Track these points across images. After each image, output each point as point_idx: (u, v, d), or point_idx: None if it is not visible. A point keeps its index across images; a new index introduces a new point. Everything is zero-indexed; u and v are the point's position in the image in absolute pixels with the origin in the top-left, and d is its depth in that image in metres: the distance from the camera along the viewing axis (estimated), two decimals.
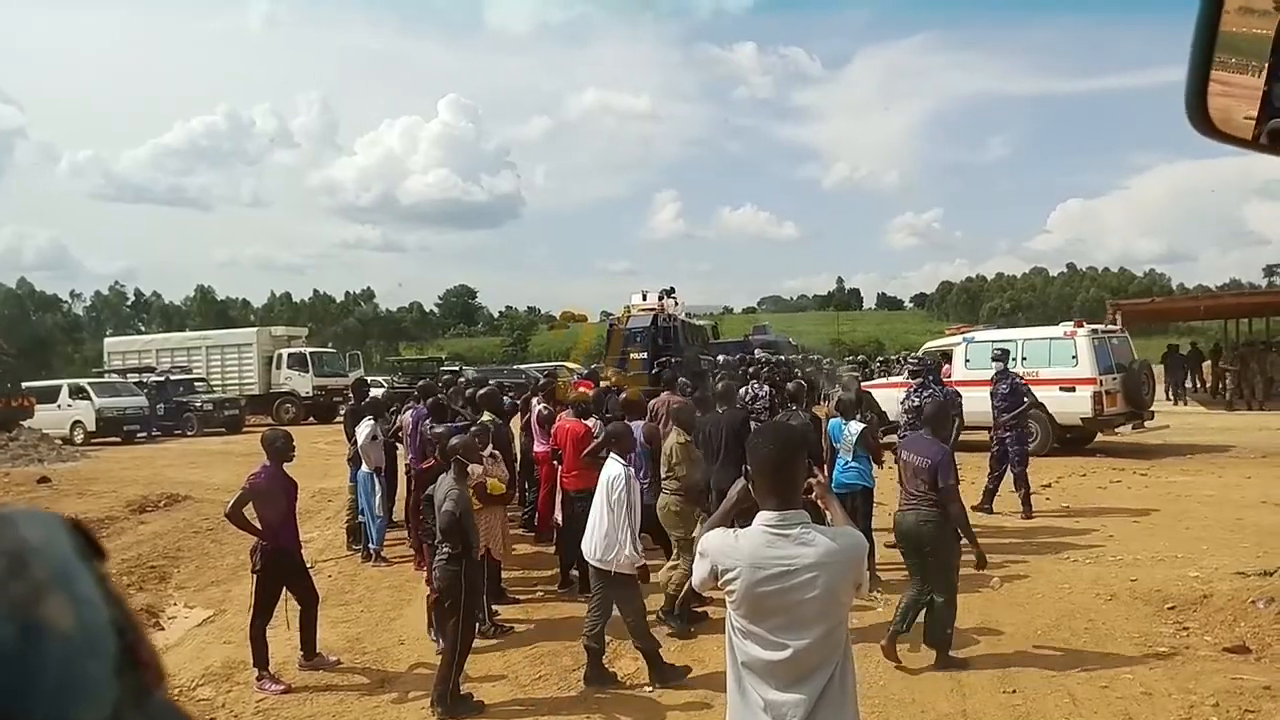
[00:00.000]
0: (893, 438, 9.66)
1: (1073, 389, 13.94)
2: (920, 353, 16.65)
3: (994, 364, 10.76)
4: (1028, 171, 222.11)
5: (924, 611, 5.73)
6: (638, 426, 7.22)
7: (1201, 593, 6.70)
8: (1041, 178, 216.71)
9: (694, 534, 5.94)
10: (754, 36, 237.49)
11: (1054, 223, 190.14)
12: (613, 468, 5.66)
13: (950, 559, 5.72)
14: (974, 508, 9.65)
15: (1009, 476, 10.24)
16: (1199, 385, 26.12)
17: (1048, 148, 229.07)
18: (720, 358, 18.13)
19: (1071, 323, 15.11)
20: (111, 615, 0.46)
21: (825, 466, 7.53)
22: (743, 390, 10.24)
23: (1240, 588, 6.69)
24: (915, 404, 8.78)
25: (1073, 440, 14.67)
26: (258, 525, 5.98)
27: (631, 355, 20.44)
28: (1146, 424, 14.92)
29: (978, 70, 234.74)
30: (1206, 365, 26.19)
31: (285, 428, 7.34)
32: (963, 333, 16.99)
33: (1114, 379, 13.99)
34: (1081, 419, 14.03)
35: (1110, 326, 16.15)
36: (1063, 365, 14.20)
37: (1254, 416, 19.78)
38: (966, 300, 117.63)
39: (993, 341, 15.32)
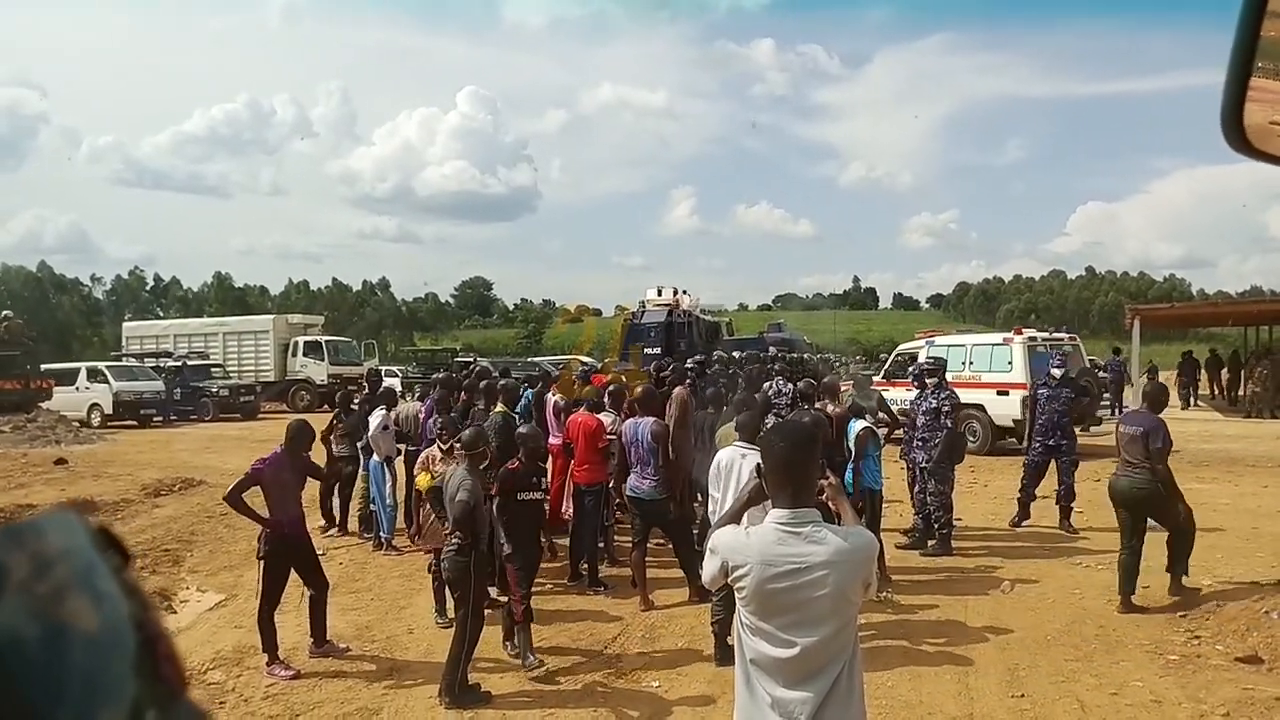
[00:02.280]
0: (899, 432, 9.57)
1: (1006, 393, 14.70)
2: (896, 353, 17.71)
3: (1055, 367, 9.96)
4: (1047, 174, 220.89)
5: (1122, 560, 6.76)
6: (647, 423, 7.22)
7: (1215, 601, 6.65)
8: (1061, 180, 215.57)
9: None
10: (772, 35, 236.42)
11: (1073, 225, 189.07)
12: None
13: (1167, 505, 6.77)
14: (1013, 524, 9.52)
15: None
16: (1215, 392, 25.91)
17: (1068, 150, 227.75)
18: (718, 354, 18.07)
19: (1011, 330, 15.84)
20: (131, 610, 0.46)
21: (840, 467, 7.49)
22: (766, 385, 10.21)
23: (1254, 597, 6.64)
24: (932, 405, 8.68)
25: (1013, 441, 15.09)
26: (261, 512, 6.06)
27: (644, 350, 20.46)
28: (1091, 429, 15.00)
29: (998, 72, 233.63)
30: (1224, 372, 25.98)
31: (302, 417, 7.37)
32: (927, 337, 17.77)
33: None
34: (1013, 420, 14.59)
35: (1058, 334, 16.44)
36: (1000, 370, 15.01)
37: (1271, 425, 19.57)
38: (983, 302, 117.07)
39: (949, 345, 16.05)
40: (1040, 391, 9.78)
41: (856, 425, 7.40)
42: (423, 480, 6.64)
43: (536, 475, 6.05)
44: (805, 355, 23.94)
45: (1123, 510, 6.82)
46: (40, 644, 0.42)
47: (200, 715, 0.49)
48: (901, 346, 18.29)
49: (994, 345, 15.55)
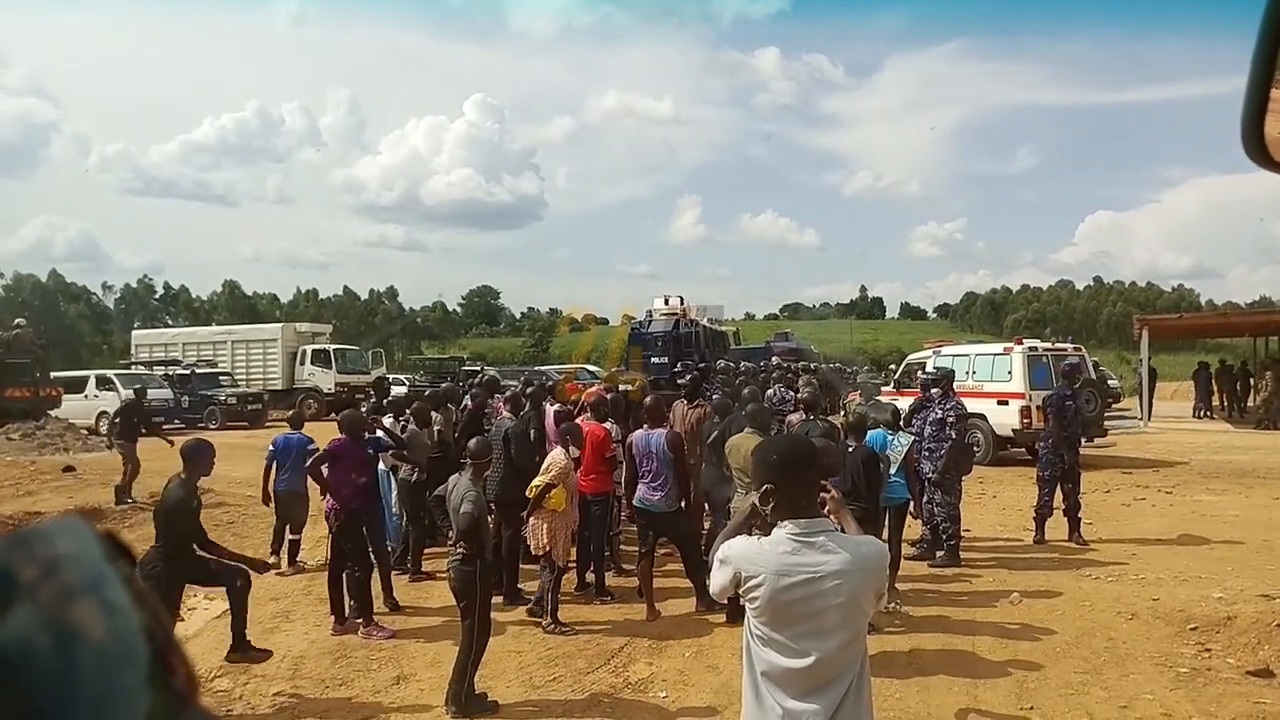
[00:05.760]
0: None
1: (1006, 403, 14.68)
2: (906, 363, 17.95)
3: (1063, 377, 9.83)
4: (1055, 183, 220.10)
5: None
6: (659, 434, 7.21)
7: (1225, 614, 6.60)
8: (1070, 189, 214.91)
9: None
10: (781, 43, 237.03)
11: (1081, 235, 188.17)
12: None
13: None
14: (1037, 542, 9.25)
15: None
16: (1224, 403, 25.75)
17: (1077, 159, 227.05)
18: (722, 363, 18.06)
19: (1013, 340, 15.89)
20: (143, 621, 0.46)
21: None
22: (769, 393, 10.22)
23: (1265, 610, 6.59)
24: (938, 416, 8.66)
25: (1017, 452, 15.18)
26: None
27: (651, 359, 20.48)
28: (1096, 439, 15.06)
29: (1007, 80, 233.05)
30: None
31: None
32: (935, 347, 17.87)
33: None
34: (1013, 430, 14.63)
35: (1060, 345, 16.41)
36: (1001, 380, 15.00)
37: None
38: (990, 312, 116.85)
39: (955, 355, 16.17)
40: (1067, 404, 9.55)
41: (905, 438, 7.48)
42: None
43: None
44: (816, 365, 23.96)
45: None
46: (52, 655, 0.41)
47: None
48: (911, 356, 18.36)
49: (995, 355, 15.57)
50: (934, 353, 16.80)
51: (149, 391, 24.55)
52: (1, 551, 0.44)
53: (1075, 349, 16.21)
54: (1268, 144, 1.23)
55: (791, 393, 11.87)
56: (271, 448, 8.63)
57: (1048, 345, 16.11)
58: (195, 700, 0.48)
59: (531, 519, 6.80)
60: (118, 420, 12.98)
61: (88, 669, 0.42)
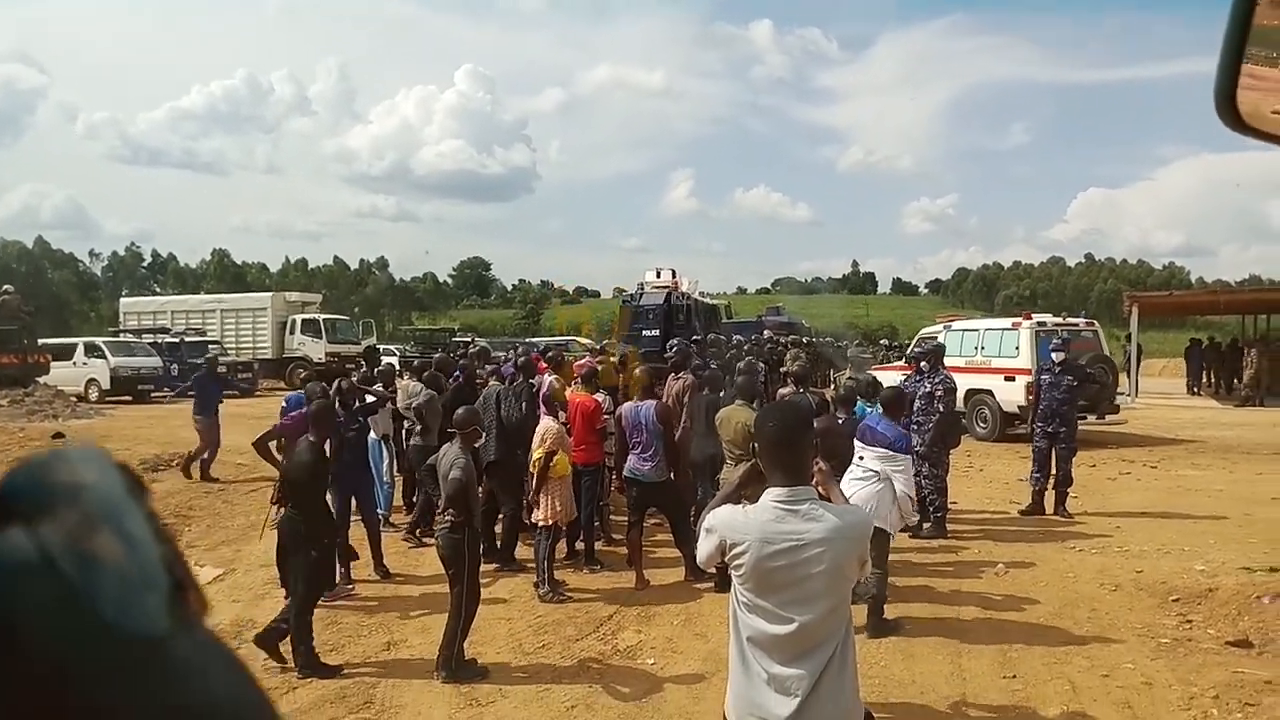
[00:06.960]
0: None
1: (1013, 379, 14.48)
2: (919, 337, 17.60)
3: (1055, 352, 9.77)
4: (1048, 160, 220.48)
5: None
6: (648, 406, 7.22)
7: (1207, 586, 6.69)
8: (1062, 166, 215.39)
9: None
10: (774, 15, 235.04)
11: (1073, 212, 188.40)
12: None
13: None
14: (1022, 512, 9.38)
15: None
16: (1212, 380, 25.95)
17: (1070, 136, 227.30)
18: (712, 336, 18.02)
19: (1021, 315, 15.66)
20: (163, 553, 0.46)
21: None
22: (739, 365, 10.27)
23: (1246, 583, 6.68)
24: (927, 389, 8.71)
25: (1025, 428, 15.02)
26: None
27: (643, 332, 20.46)
28: (1107, 416, 15.03)
29: (1001, 56, 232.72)
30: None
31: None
32: (947, 322, 17.82)
33: None
34: (1019, 407, 14.32)
35: (1072, 320, 16.09)
36: (1008, 356, 14.82)
37: (1265, 412, 19.63)
38: (982, 288, 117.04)
39: (964, 330, 16.11)
40: (1043, 378, 9.65)
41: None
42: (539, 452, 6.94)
43: None
44: (809, 339, 23.97)
45: None
46: (73, 579, 0.42)
47: (218, 645, 0.48)
48: (923, 331, 18.29)
49: (1003, 330, 15.29)
50: (945, 328, 16.78)
51: (138, 358, 24.62)
52: (31, 467, 0.45)
53: (1089, 324, 16.05)
54: (1240, 109, 1.23)
55: (763, 365, 11.88)
56: (285, 404, 8.86)
57: (1058, 320, 15.72)
58: (203, 621, 0.47)
59: (540, 493, 6.83)
60: (193, 393, 12.48)
61: (109, 593, 0.43)
